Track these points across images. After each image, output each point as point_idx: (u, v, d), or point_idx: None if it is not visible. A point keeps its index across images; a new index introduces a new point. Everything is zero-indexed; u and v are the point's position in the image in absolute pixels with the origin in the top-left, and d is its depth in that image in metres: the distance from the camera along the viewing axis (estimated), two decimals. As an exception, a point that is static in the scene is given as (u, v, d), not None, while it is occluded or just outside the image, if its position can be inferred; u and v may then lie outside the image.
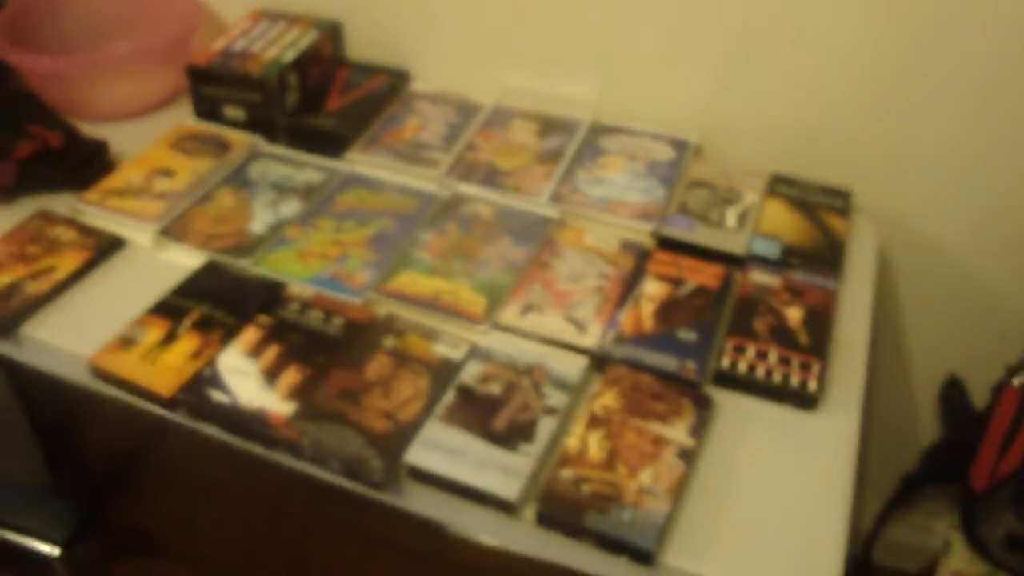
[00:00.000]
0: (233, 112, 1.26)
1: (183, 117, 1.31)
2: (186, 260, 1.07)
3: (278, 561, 1.67)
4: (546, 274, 1.04)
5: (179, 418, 0.93)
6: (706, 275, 1.05)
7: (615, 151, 1.22)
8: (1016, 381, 1.13)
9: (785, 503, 0.84)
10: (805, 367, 0.95)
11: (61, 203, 1.16)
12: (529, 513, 0.82)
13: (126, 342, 0.96)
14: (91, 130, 1.27)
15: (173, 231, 1.10)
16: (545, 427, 0.87)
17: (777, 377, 0.94)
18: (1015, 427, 1.12)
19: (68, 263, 1.07)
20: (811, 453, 0.89)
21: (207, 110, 1.28)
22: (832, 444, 0.90)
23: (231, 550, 1.69)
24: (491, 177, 1.17)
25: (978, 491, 1.12)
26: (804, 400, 0.93)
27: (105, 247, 1.09)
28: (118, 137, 1.27)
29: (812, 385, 0.93)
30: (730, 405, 0.93)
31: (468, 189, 1.16)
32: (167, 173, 1.19)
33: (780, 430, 0.91)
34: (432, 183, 1.18)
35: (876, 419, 1.47)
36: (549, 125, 1.27)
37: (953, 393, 1.30)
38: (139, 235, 1.11)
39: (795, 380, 0.93)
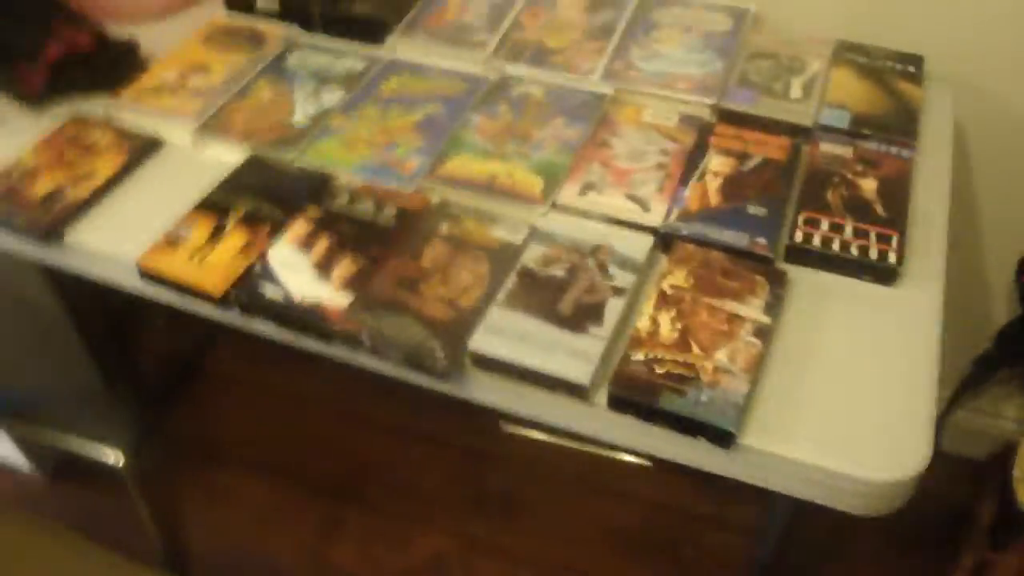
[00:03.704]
0: (266, 3, 1.20)
1: (213, 13, 1.25)
2: (227, 156, 1.03)
3: (339, 465, 1.67)
4: (604, 152, 0.99)
5: (231, 318, 0.90)
6: (772, 148, 0.99)
7: (669, 23, 1.15)
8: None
9: (868, 381, 0.80)
10: (883, 239, 0.89)
11: (95, 106, 1.12)
12: (600, 397, 0.79)
13: (173, 241, 0.92)
14: (119, 32, 1.21)
15: (212, 127, 1.06)
16: (613, 308, 0.83)
17: (854, 250, 0.88)
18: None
19: (107, 166, 1.03)
20: (894, 329, 0.84)
21: (238, 3, 1.23)
22: (916, 318, 0.86)
23: (292, 455, 1.69)
24: (540, 56, 1.11)
25: (1062, 366, 1.07)
26: (884, 273, 0.88)
27: (143, 148, 1.06)
28: (147, 37, 1.21)
29: (892, 257, 0.87)
30: (805, 281, 0.88)
31: (517, 70, 1.10)
32: (202, 69, 1.14)
33: (859, 306, 0.86)
34: (478, 66, 1.12)
35: (946, 301, 1.41)
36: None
37: (1031, 268, 1.24)
38: (177, 134, 1.07)
39: (873, 253, 0.88)
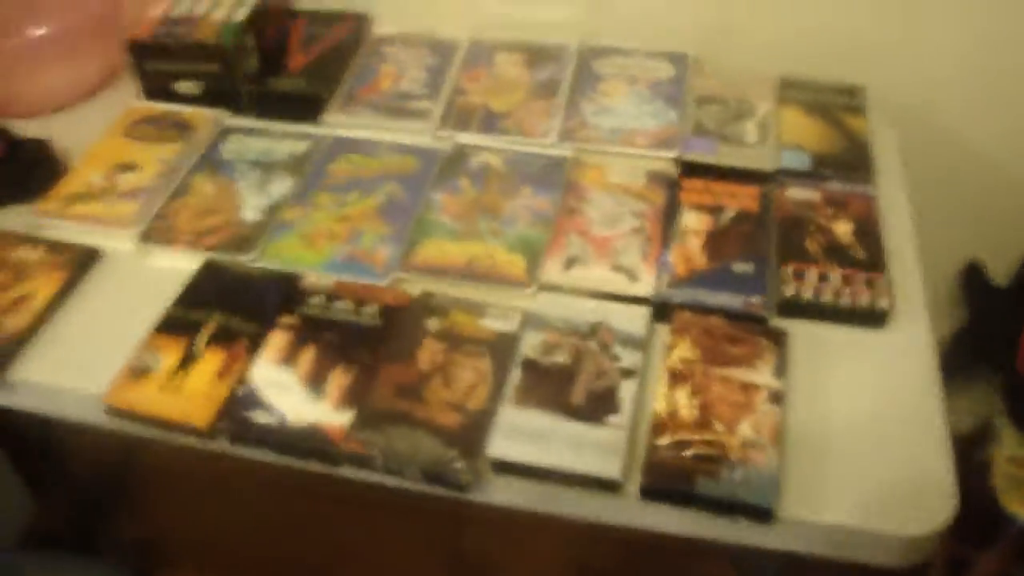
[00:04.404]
0: (187, 87, 1.13)
1: (126, 99, 1.17)
2: (178, 264, 0.96)
3: (300, 550, 1.59)
4: (578, 221, 0.97)
5: (219, 447, 0.83)
6: (743, 198, 0.99)
7: (613, 75, 1.13)
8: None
9: (882, 430, 0.80)
10: (870, 284, 0.90)
11: (15, 219, 1.03)
12: (631, 487, 0.76)
13: (139, 371, 0.85)
14: (24, 129, 1.12)
15: (155, 234, 0.98)
16: (626, 391, 0.81)
17: (845, 298, 0.89)
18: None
19: (44, 288, 0.94)
20: (894, 372, 0.85)
21: (156, 88, 1.14)
22: (911, 359, 0.86)
23: (248, 548, 1.60)
24: (489, 121, 1.08)
25: (1027, 375, 1.10)
26: (876, 318, 0.88)
27: (81, 262, 0.97)
28: (56, 132, 1.12)
29: (883, 302, 0.88)
30: (799, 334, 0.88)
31: (469, 138, 1.06)
32: (129, 167, 1.06)
33: (857, 353, 0.87)
34: (426, 136, 1.08)
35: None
36: (536, 54, 1.17)
37: (974, 276, 1.28)
38: (117, 243, 0.99)
39: (864, 298, 0.88)
